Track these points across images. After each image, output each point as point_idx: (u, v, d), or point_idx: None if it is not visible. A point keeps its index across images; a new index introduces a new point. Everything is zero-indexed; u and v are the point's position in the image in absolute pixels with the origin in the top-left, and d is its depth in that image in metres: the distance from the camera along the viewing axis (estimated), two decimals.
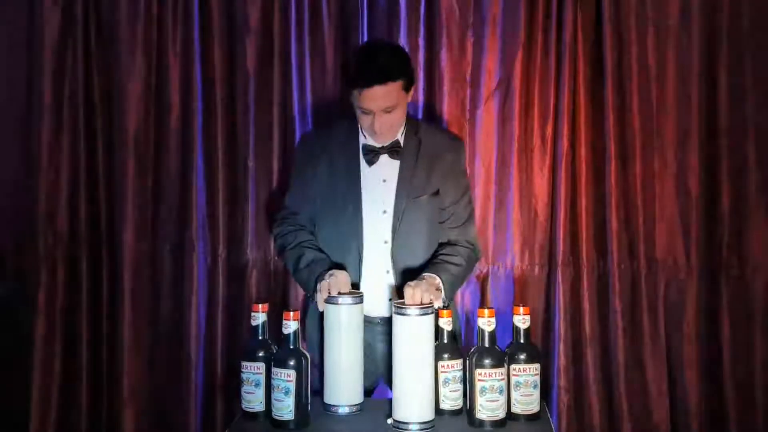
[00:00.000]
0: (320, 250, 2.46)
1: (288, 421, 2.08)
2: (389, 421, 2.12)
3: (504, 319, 2.90)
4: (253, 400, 2.17)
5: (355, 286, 2.38)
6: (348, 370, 2.19)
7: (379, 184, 2.45)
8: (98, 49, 3.15)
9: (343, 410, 2.18)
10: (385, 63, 2.31)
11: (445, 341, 2.15)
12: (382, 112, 2.32)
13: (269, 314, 2.20)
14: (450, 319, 2.15)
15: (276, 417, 2.09)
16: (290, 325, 2.10)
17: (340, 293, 2.21)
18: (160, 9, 3.12)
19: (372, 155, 2.45)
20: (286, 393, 2.08)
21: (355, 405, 2.20)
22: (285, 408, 2.08)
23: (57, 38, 3.14)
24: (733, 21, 3.00)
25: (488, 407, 2.07)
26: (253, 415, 2.17)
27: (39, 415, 3.12)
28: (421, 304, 2.13)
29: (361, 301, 2.22)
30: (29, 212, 3.15)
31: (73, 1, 3.13)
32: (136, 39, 3.12)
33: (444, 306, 2.33)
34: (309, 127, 3.11)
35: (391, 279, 2.44)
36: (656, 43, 3.02)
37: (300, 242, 2.47)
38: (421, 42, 3.07)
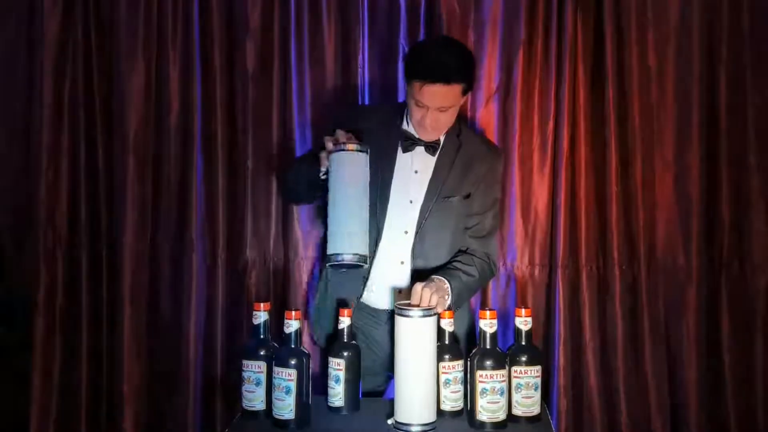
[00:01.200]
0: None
1: (288, 421, 2.09)
2: (389, 421, 2.12)
3: (504, 319, 2.93)
4: (254, 398, 2.17)
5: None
6: (353, 218, 2.19)
7: (411, 174, 2.44)
8: (98, 49, 3.14)
9: (348, 257, 2.17)
10: (453, 63, 2.28)
11: (447, 342, 2.15)
12: (437, 109, 2.30)
13: (268, 313, 2.20)
14: (451, 320, 2.15)
15: (276, 416, 2.10)
16: (292, 325, 2.10)
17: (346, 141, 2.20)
18: (160, 9, 3.12)
19: (409, 143, 2.43)
20: (287, 392, 2.08)
21: (359, 255, 2.19)
22: (286, 407, 2.08)
23: (57, 38, 3.13)
24: (733, 21, 3.00)
25: (489, 409, 2.07)
26: (254, 414, 2.18)
27: (39, 415, 3.12)
28: (428, 306, 2.12)
29: (367, 151, 2.22)
30: (29, 212, 3.15)
31: (73, 1, 3.12)
32: (136, 39, 3.11)
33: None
34: (308, 127, 3.11)
35: (405, 270, 2.43)
36: (656, 43, 3.03)
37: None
38: None
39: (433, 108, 2.29)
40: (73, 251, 3.15)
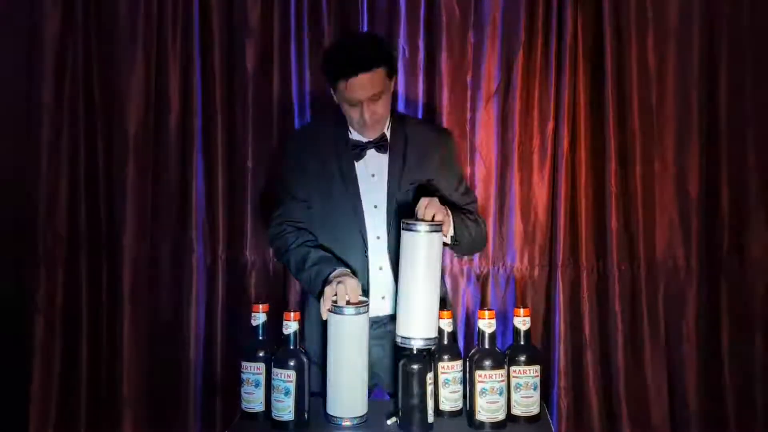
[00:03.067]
0: (325, 249, 2.41)
1: (288, 422, 2.08)
2: (389, 422, 2.12)
3: (505, 320, 2.93)
4: (253, 400, 2.16)
5: (364, 290, 2.31)
6: (352, 382, 2.12)
7: (368, 179, 2.42)
8: (98, 49, 3.15)
9: (347, 423, 2.11)
10: (368, 50, 2.30)
11: (445, 342, 2.15)
12: (370, 100, 2.29)
13: (268, 315, 2.20)
14: (450, 320, 2.15)
15: (276, 417, 2.09)
16: (290, 326, 2.09)
17: (347, 303, 2.13)
18: (160, 9, 3.12)
19: (359, 150, 2.42)
20: (286, 393, 2.07)
21: (359, 417, 2.13)
22: (285, 408, 2.08)
23: (57, 38, 3.13)
24: (733, 21, 3.01)
25: (488, 409, 2.06)
26: (253, 416, 2.17)
27: (39, 415, 3.12)
28: (432, 221, 2.12)
29: (367, 310, 2.14)
30: (29, 212, 3.15)
31: (73, 1, 3.13)
32: (136, 39, 3.12)
33: (452, 244, 2.32)
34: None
35: (384, 275, 2.40)
36: (656, 43, 3.03)
37: (304, 242, 2.42)
38: (421, 43, 3.07)
39: (366, 100, 2.29)
40: (72, 251, 3.16)
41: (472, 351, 2.11)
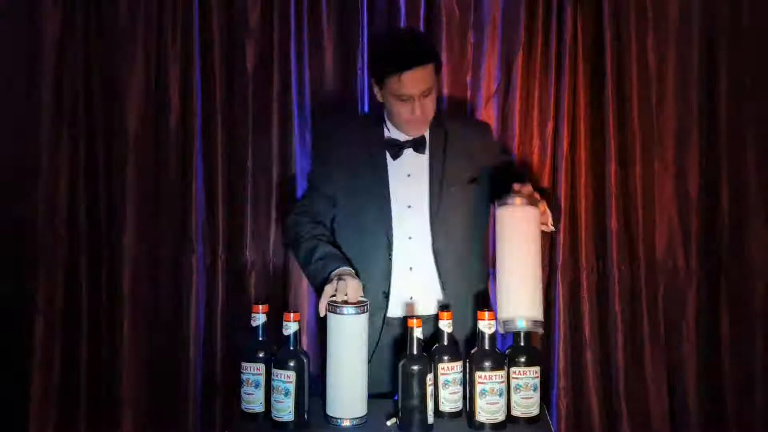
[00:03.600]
0: (336, 246, 2.41)
1: (287, 422, 2.08)
2: (389, 423, 2.12)
3: None
4: (253, 401, 2.17)
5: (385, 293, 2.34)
6: (351, 382, 2.12)
7: (403, 179, 2.41)
8: (98, 49, 3.15)
9: (346, 424, 2.11)
10: (420, 45, 2.34)
11: (445, 343, 2.14)
12: (422, 95, 2.29)
13: (268, 315, 2.20)
14: (450, 321, 2.15)
15: (275, 418, 2.09)
16: (290, 326, 2.09)
17: (345, 301, 2.13)
18: (160, 9, 3.12)
19: (396, 149, 2.41)
20: (286, 394, 2.08)
21: (359, 418, 2.13)
22: (284, 409, 2.08)
23: (57, 38, 3.13)
24: (733, 22, 3.00)
25: (488, 410, 2.06)
26: (253, 416, 2.17)
27: (39, 415, 3.12)
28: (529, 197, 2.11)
29: (367, 310, 2.14)
30: (29, 212, 3.15)
31: (73, 1, 3.13)
32: (136, 39, 3.12)
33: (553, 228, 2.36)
34: (308, 128, 3.11)
35: (413, 276, 2.40)
36: (656, 43, 3.03)
37: (315, 235, 2.42)
38: None
39: (418, 95, 2.28)
40: (72, 251, 3.16)
41: (472, 352, 2.11)
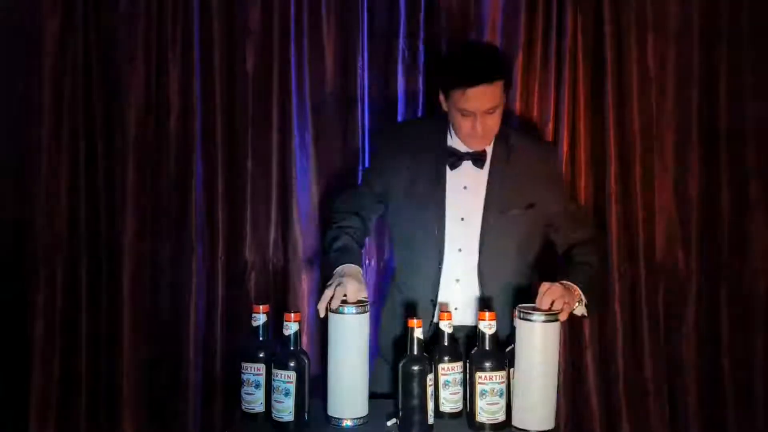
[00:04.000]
0: (358, 241, 2.40)
1: (288, 423, 2.08)
2: (389, 423, 2.12)
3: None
4: (253, 401, 2.17)
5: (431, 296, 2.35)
6: (351, 382, 2.12)
7: (459, 190, 2.38)
8: (98, 49, 3.15)
9: (347, 424, 2.12)
10: (490, 61, 2.25)
11: (445, 344, 2.15)
12: (485, 113, 2.25)
13: (268, 316, 2.20)
14: (450, 322, 2.15)
15: (276, 418, 2.09)
16: (291, 326, 2.09)
17: (345, 301, 2.13)
18: (160, 9, 3.12)
19: (455, 159, 2.37)
20: (287, 394, 2.07)
21: (360, 418, 2.13)
22: (285, 409, 2.08)
23: (57, 38, 3.13)
24: (733, 23, 3.00)
25: (488, 410, 2.06)
26: (253, 416, 2.17)
27: (39, 414, 3.12)
28: (549, 310, 2.07)
29: (367, 310, 2.14)
30: (28, 213, 3.14)
31: (73, 2, 3.13)
32: (136, 39, 3.12)
33: (587, 316, 2.31)
34: (308, 128, 3.11)
35: (459, 288, 2.39)
36: (656, 45, 3.03)
37: (344, 225, 2.41)
38: (420, 45, 3.07)
39: (481, 112, 2.24)
40: (72, 252, 3.16)
41: (473, 352, 2.11)
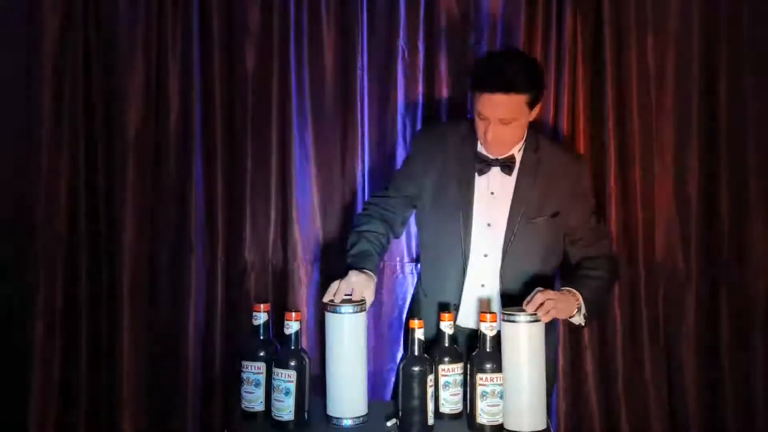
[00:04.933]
0: (378, 247, 2.40)
1: (288, 422, 2.08)
2: (389, 424, 2.12)
3: None
4: (253, 400, 2.17)
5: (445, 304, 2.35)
6: (350, 381, 2.13)
7: (486, 196, 2.38)
8: (98, 49, 3.15)
9: (347, 423, 2.12)
10: (515, 72, 2.21)
11: (446, 345, 2.15)
12: (498, 121, 2.24)
13: (268, 314, 2.20)
14: (451, 322, 2.15)
15: (276, 417, 2.09)
16: (292, 326, 2.09)
17: (342, 301, 2.14)
18: (160, 10, 3.12)
19: (483, 165, 2.37)
20: (287, 393, 2.08)
21: (359, 417, 2.13)
22: (285, 409, 2.08)
23: (57, 38, 3.13)
24: (733, 24, 3.00)
25: (489, 412, 2.06)
26: (253, 415, 2.17)
27: (39, 415, 3.12)
28: (534, 311, 2.08)
29: (363, 310, 2.14)
30: (28, 213, 3.14)
31: (73, 2, 3.12)
32: (136, 40, 3.12)
33: (585, 325, 2.32)
34: (307, 129, 3.11)
35: (485, 293, 2.39)
36: (656, 45, 3.03)
37: (366, 230, 2.42)
38: (420, 44, 3.07)
39: (495, 120, 2.24)
40: (72, 252, 3.15)
41: (473, 353, 2.11)
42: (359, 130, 3.11)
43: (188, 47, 3.12)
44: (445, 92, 3.06)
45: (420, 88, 3.07)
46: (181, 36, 3.13)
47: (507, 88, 2.19)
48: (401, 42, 3.06)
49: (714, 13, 3.01)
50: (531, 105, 2.27)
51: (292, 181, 3.12)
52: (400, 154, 3.08)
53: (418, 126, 3.09)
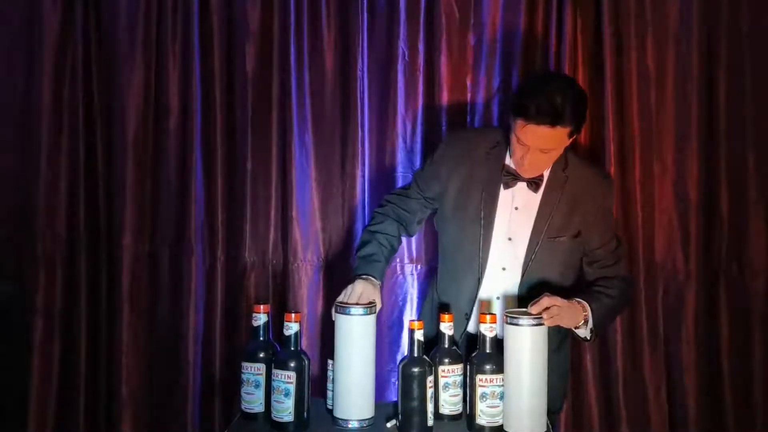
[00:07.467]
0: (387, 249, 2.39)
1: (287, 423, 2.09)
2: (389, 425, 2.12)
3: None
4: (253, 401, 2.17)
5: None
6: (357, 383, 2.12)
7: (510, 210, 2.36)
8: (98, 49, 3.15)
9: (353, 425, 2.11)
10: (563, 106, 2.13)
11: (446, 346, 2.15)
12: (539, 150, 2.21)
13: (268, 315, 2.20)
14: (451, 323, 2.15)
15: (275, 418, 2.10)
16: (291, 327, 2.10)
17: (353, 304, 2.14)
18: (160, 11, 3.12)
19: (510, 178, 2.34)
20: (286, 395, 2.08)
21: (365, 420, 2.13)
22: (285, 410, 2.08)
23: (57, 38, 3.13)
24: (732, 25, 2.99)
25: (488, 413, 2.06)
26: (253, 416, 2.17)
27: (38, 415, 3.13)
28: (537, 314, 2.07)
29: (373, 312, 2.14)
30: (28, 214, 3.15)
31: (73, 2, 3.13)
32: (136, 40, 3.12)
33: (590, 339, 2.32)
34: (307, 129, 3.11)
35: (500, 306, 2.38)
36: (655, 46, 3.02)
37: (378, 230, 2.42)
38: (420, 45, 3.07)
39: (534, 148, 2.21)
40: (71, 253, 3.16)
41: (473, 355, 2.11)
42: (359, 130, 3.11)
43: (188, 47, 3.12)
44: (445, 93, 3.06)
45: (420, 89, 3.07)
46: (181, 36, 3.13)
47: (553, 122, 2.14)
48: (401, 43, 3.05)
49: (714, 12, 3.00)
50: (572, 135, 2.23)
51: (292, 181, 3.11)
52: (400, 154, 3.08)
53: (419, 126, 3.08)
